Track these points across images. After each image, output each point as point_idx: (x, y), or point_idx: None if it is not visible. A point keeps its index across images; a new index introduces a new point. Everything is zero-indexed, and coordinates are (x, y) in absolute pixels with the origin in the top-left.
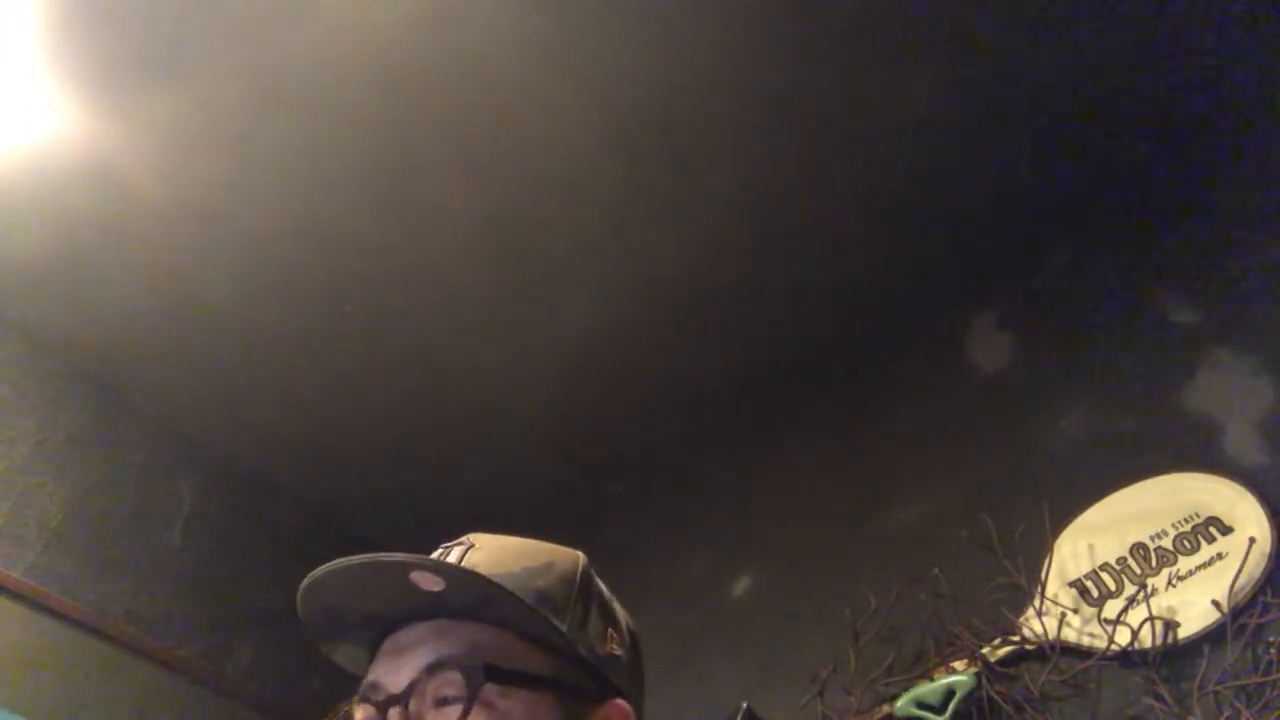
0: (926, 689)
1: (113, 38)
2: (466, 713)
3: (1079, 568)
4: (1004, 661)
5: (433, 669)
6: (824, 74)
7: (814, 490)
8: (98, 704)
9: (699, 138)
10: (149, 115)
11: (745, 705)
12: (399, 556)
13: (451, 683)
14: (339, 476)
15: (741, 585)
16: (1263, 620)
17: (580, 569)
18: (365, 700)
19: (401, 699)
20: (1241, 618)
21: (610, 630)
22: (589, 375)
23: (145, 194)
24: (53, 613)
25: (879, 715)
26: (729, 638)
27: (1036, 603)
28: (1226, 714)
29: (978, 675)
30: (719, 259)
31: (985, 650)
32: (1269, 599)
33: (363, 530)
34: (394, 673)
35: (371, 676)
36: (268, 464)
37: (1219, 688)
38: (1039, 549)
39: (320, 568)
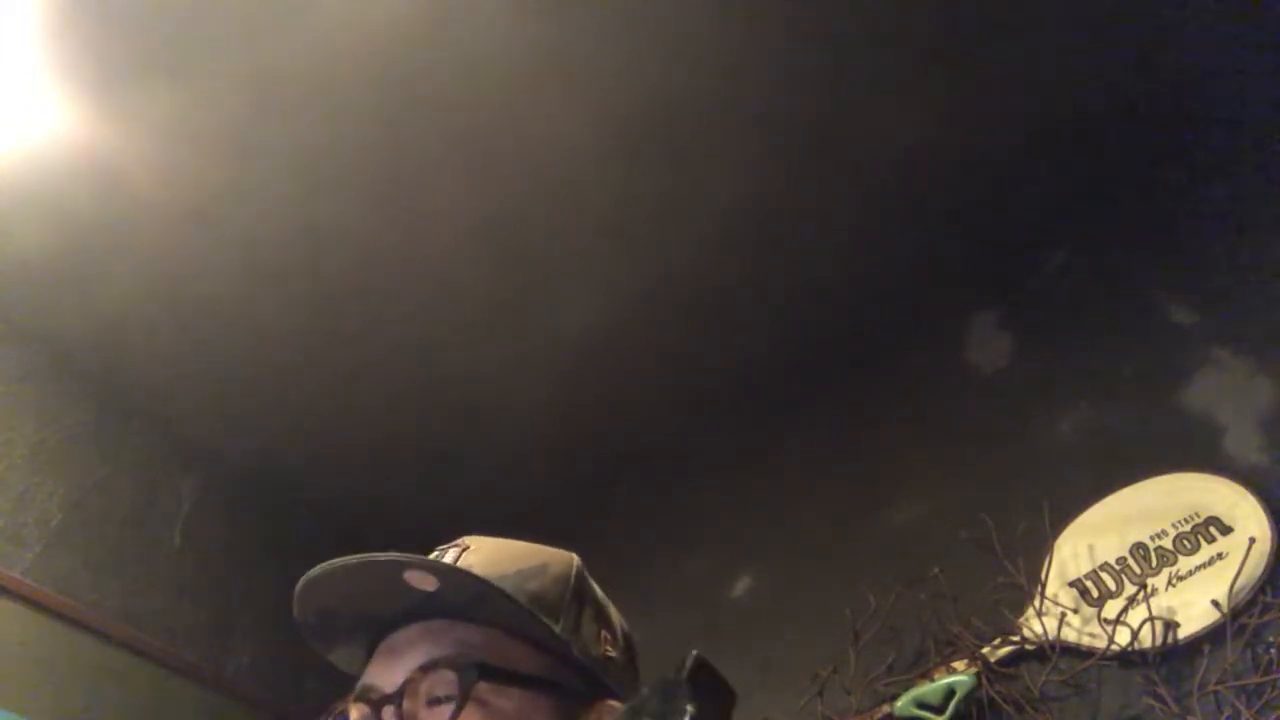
0: (926, 689)
1: (113, 38)
2: (459, 710)
3: (1079, 568)
4: (1004, 661)
5: (426, 668)
6: (824, 74)
7: (814, 490)
8: (97, 704)
9: (699, 138)
10: (149, 115)
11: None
12: (393, 556)
13: (445, 681)
14: (339, 476)
15: (741, 585)
16: (1263, 620)
17: (574, 571)
18: (360, 700)
19: (395, 698)
20: (1241, 618)
21: (604, 632)
22: (589, 375)
23: (145, 194)
24: (52, 613)
25: (879, 715)
26: (729, 638)
27: (1036, 603)
28: (1226, 714)
29: (978, 675)
30: (719, 259)
31: (985, 650)
32: (1269, 599)
33: (363, 530)
34: (388, 673)
35: (366, 678)
36: (268, 464)
37: (1219, 688)
38: (1039, 549)
39: (314, 569)
